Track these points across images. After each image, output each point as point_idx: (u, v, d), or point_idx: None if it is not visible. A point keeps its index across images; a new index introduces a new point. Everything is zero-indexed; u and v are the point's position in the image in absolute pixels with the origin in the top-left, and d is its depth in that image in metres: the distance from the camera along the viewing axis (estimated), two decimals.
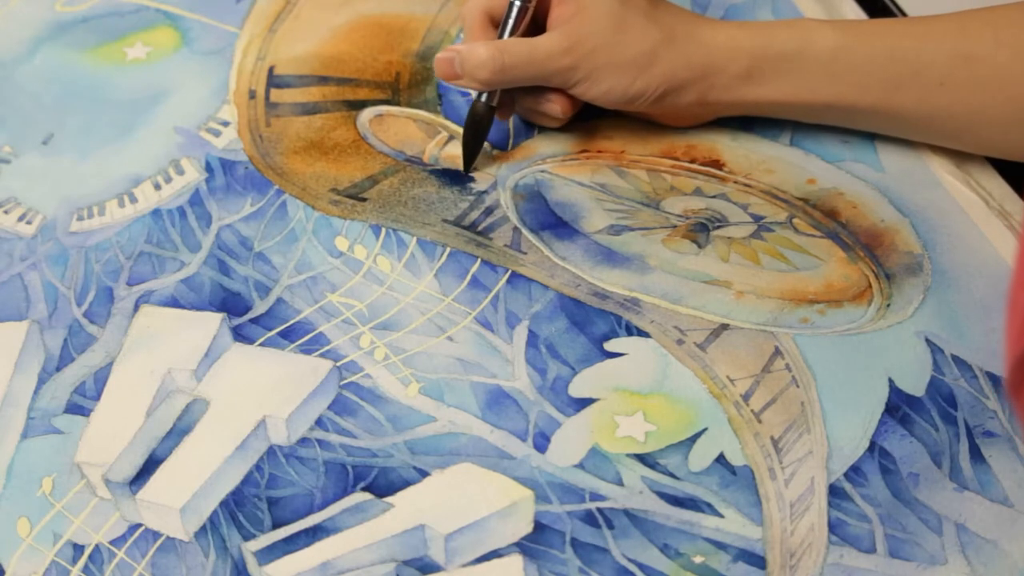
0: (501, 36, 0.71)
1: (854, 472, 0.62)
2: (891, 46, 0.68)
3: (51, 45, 0.81)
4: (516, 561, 0.60)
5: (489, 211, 0.72)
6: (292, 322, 0.68)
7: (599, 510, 0.62)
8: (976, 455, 0.63)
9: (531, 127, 0.76)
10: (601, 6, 0.69)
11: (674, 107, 0.71)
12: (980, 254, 0.70)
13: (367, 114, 0.77)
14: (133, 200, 0.74)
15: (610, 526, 0.61)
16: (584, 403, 0.65)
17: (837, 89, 0.69)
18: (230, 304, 0.69)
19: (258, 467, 0.64)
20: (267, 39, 0.81)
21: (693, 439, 0.64)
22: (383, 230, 0.72)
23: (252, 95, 0.78)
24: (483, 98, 0.72)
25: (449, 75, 0.70)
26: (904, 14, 0.80)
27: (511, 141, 0.76)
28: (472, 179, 0.74)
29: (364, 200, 0.73)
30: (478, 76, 0.69)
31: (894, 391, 0.65)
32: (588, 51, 0.68)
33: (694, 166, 0.74)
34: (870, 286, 0.69)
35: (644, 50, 0.68)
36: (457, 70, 0.70)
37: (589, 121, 0.75)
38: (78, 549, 0.62)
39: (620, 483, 0.62)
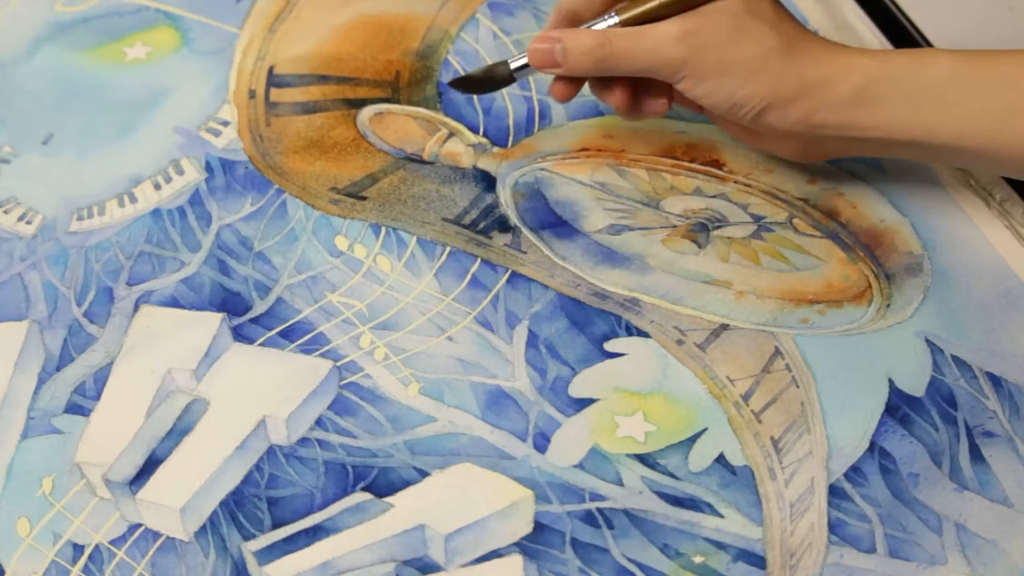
0: None
1: (854, 472, 0.62)
2: (1006, 72, 0.64)
3: (51, 45, 0.81)
4: (516, 561, 0.60)
5: (489, 210, 0.72)
6: (292, 322, 0.68)
7: (599, 510, 0.62)
8: (976, 455, 0.63)
9: (531, 124, 0.76)
10: (723, 7, 0.65)
11: (779, 128, 0.67)
12: (980, 254, 0.70)
13: (367, 112, 0.77)
14: (133, 200, 0.74)
15: (610, 526, 0.61)
16: (584, 403, 0.65)
17: (946, 117, 0.65)
18: (230, 304, 0.69)
19: (258, 467, 0.64)
20: (267, 39, 0.81)
21: (693, 439, 0.64)
22: (383, 229, 0.72)
23: (252, 95, 0.78)
24: (512, 65, 0.68)
25: (547, 63, 0.67)
26: (904, 14, 0.80)
27: (511, 139, 0.76)
28: (472, 178, 0.74)
29: (364, 199, 0.73)
30: (580, 65, 0.66)
31: (894, 391, 0.65)
32: (700, 44, 0.65)
33: (694, 165, 0.74)
34: (870, 286, 0.69)
35: (757, 53, 0.65)
36: (557, 58, 0.66)
37: (589, 119, 0.75)
38: (78, 549, 0.62)
39: (620, 483, 0.62)
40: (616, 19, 0.67)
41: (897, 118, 0.65)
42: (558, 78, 0.68)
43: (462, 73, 0.78)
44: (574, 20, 0.68)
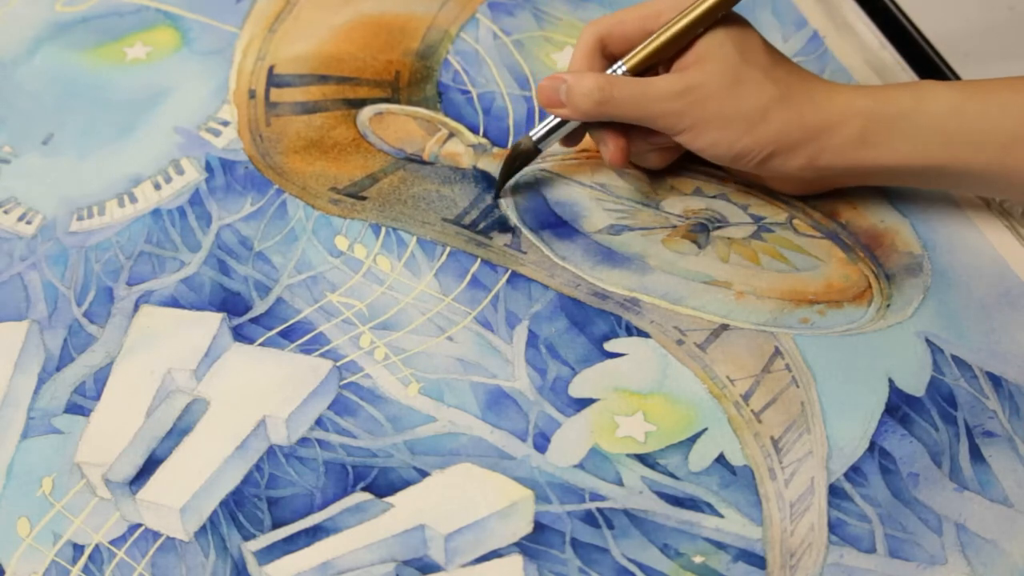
0: (545, 135, 0.70)
1: (854, 472, 0.62)
2: (1005, 101, 0.64)
3: (51, 45, 0.81)
4: (516, 561, 0.60)
5: (489, 210, 0.72)
6: (292, 322, 0.68)
7: (599, 510, 0.62)
8: (976, 455, 0.63)
9: (531, 124, 0.76)
10: (720, 58, 0.66)
11: (783, 171, 0.68)
12: (980, 254, 0.70)
13: (367, 112, 0.77)
14: (133, 200, 0.74)
15: (610, 526, 0.61)
16: (584, 403, 0.65)
17: (951, 150, 0.65)
18: (230, 304, 0.69)
19: (258, 467, 0.64)
20: (267, 39, 0.81)
21: (693, 439, 0.64)
22: (383, 229, 0.72)
23: (252, 95, 0.78)
24: (534, 138, 0.70)
25: (552, 103, 0.68)
26: (904, 14, 0.80)
27: (511, 139, 0.76)
28: (472, 178, 0.74)
29: (364, 199, 0.73)
30: (581, 105, 0.67)
31: (894, 391, 0.65)
32: (699, 99, 0.66)
33: (694, 165, 0.74)
34: (870, 286, 0.69)
35: (757, 105, 0.65)
36: (562, 98, 0.68)
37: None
38: (78, 549, 0.62)
39: (620, 483, 0.62)
40: (624, 67, 0.68)
41: (901, 154, 0.66)
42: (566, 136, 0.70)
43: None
44: (601, 48, 0.69)
